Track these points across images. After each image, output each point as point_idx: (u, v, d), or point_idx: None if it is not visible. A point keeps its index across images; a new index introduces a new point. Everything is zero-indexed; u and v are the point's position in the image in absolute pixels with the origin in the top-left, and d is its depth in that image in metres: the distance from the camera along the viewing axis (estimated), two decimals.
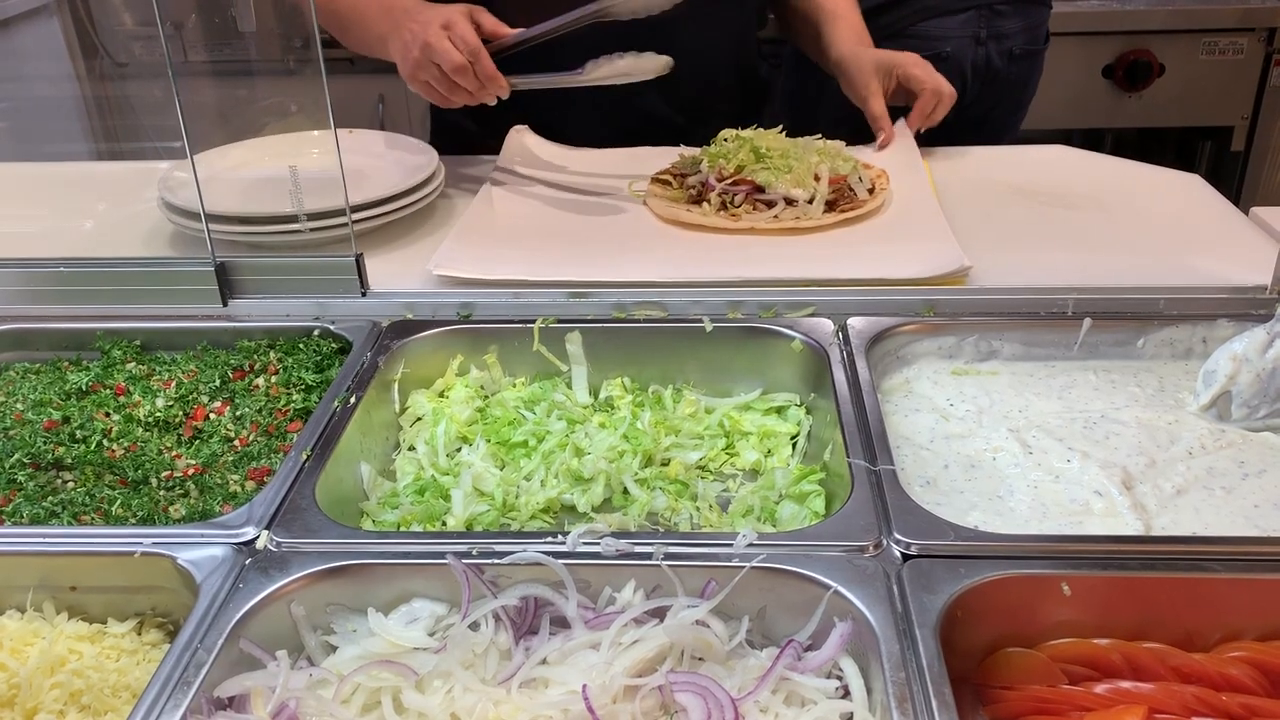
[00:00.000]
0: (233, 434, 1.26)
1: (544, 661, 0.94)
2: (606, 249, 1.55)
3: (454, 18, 1.58)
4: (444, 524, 1.16)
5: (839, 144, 1.75)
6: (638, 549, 0.99)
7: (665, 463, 1.26)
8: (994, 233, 1.58)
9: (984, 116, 2.27)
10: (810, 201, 1.58)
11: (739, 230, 1.57)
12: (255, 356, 1.37)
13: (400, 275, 1.49)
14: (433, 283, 1.46)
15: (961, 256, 1.43)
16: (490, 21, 1.62)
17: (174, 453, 1.24)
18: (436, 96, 1.63)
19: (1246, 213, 1.65)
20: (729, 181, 1.62)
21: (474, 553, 1.00)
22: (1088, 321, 1.34)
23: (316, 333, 1.40)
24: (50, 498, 1.16)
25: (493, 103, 1.62)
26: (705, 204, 1.62)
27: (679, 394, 1.37)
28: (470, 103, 1.62)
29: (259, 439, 1.25)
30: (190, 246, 1.58)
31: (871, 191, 1.65)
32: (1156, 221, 1.63)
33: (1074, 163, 1.88)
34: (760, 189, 1.61)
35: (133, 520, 1.13)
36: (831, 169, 1.62)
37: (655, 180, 1.73)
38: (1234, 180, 3.26)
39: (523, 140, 1.92)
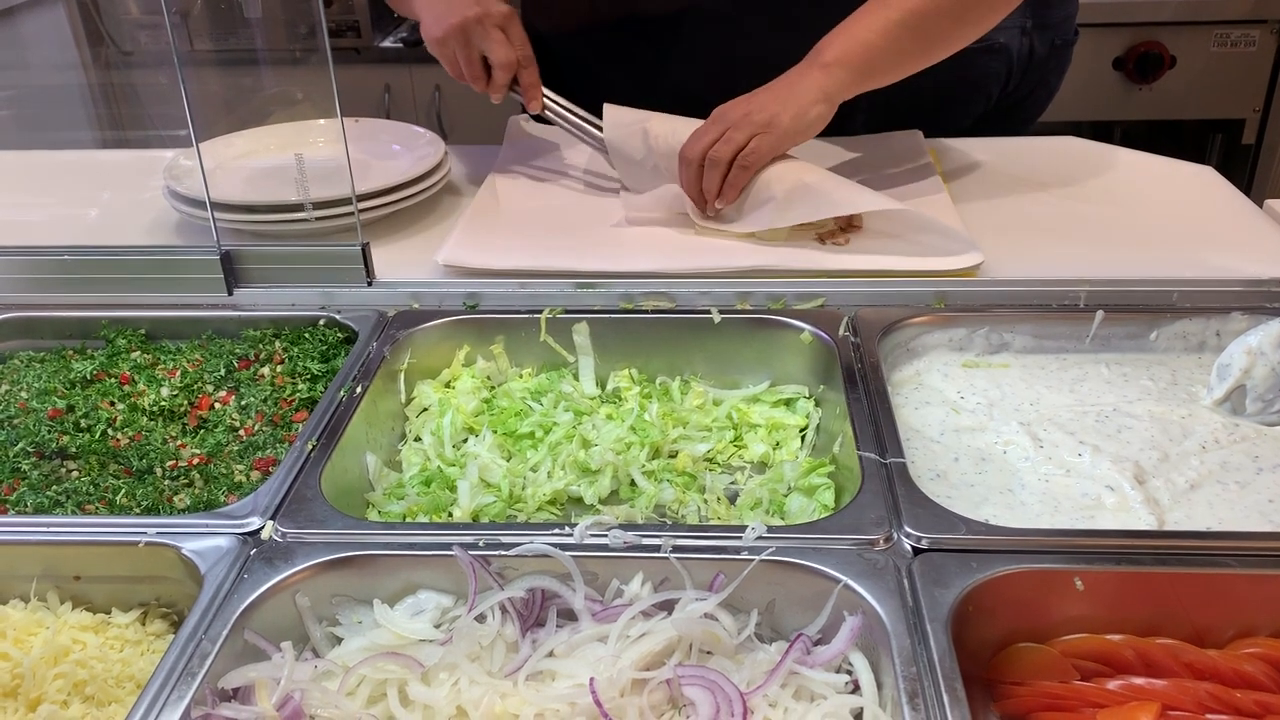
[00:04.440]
0: (238, 424, 1.26)
1: (551, 654, 0.93)
2: (614, 238, 1.54)
3: (488, 25, 1.58)
4: (450, 515, 1.15)
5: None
6: (645, 541, 0.98)
7: (673, 455, 1.25)
8: (1004, 224, 1.56)
9: (1018, 104, 2.22)
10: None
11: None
12: (260, 346, 1.36)
13: (406, 265, 1.48)
14: (439, 273, 1.45)
15: (974, 249, 1.41)
16: (519, 36, 1.62)
17: (179, 442, 1.23)
18: (453, 70, 1.63)
19: (1260, 206, 1.63)
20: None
21: (480, 544, 0.99)
22: (1100, 314, 1.33)
23: (322, 322, 1.39)
24: (54, 487, 1.15)
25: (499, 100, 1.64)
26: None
27: (687, 386, 1.36)
28: (478, 89, 1.62)
29: (264, 429, 1.25)
30: (195, 235, 1.57)
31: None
32: (1169, 213, 1.62)
33: (1085, 154, 1.86)
34: None
35: (137, 510, 1.12)
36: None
37: None
38: (1245, 174, 3.24)
39: (525, 129, 1.91)
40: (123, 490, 1.14)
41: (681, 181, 1.54)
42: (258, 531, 1.02)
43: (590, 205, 1.66)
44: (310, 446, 1.13)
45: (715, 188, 1.50)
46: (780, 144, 1.49)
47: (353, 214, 1.44)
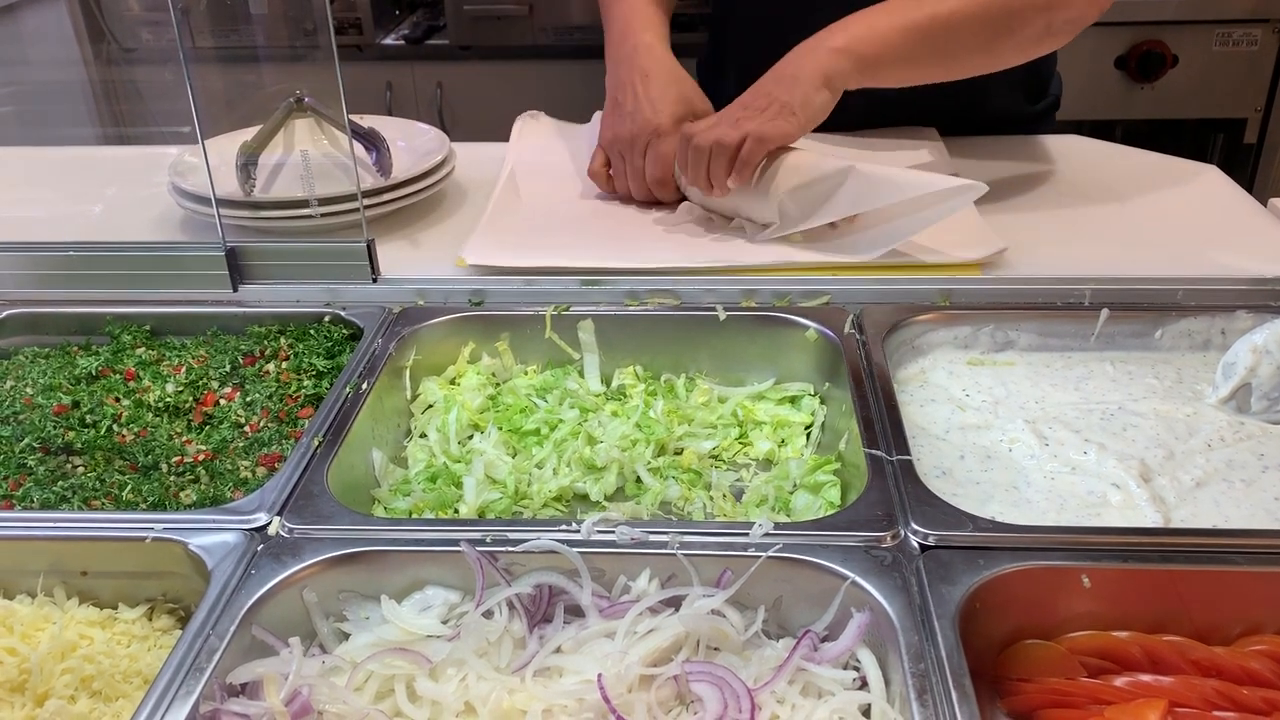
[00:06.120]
0: (243, 420, 1.26)
1: (558, 650, 0.93)
2: (623, 234, 1.54)
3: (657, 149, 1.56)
4: (456, 511, 1.15)
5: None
6: (652, 538, 0.98)
7: (678, 452, 1.25)
8: (1009, 223, 1.56)
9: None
10: None
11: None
12: (266, 342, 1.36)
13: (411, 261, 1.48)
14: (444, 269, 1.45)
15: (994, 239, 1.41)
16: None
17: (184, 438, 1.23)
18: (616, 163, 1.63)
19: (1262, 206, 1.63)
20: None
21: (487, 540, 0.99)
22: (1105, 312, 1.33)
23: (327, 319, 1.39)
24: (60, 482, 1.15)
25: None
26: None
27: (692, 383, 1.36)
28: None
29: (270, 425, 1.25)
30: (200, 231, 1.57)
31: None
32: (1173, 212, 1.62)
33: (1089, 153, 1.87)
34: None
35: (143, 506, 1.12)
36: None
37: None
38: (1247, 173, 3.24)
39: (536, 125, 1.91)
40: (129, 486, 1.14)
41: (689, 177, 1.53)
42: (264, 527, 1.02)
43: (606, 202, 1.66)
44: (316, 443, 1.13)
45: (721, 181, 1.48)
46: (761, 149, 1.45)
47: (358, 210, 1.44)
